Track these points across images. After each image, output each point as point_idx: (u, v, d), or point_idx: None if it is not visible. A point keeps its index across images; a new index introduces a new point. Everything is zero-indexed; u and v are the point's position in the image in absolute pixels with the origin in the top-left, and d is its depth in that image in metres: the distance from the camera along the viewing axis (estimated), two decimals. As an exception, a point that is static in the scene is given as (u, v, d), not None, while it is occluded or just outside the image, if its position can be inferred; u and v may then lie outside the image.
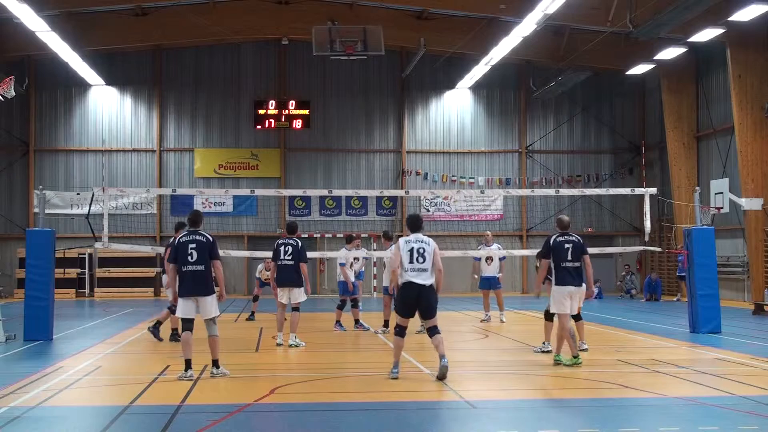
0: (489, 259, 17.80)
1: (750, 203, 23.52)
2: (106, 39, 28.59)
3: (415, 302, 10.14)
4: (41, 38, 23.89)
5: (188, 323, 10.31)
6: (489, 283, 17.87)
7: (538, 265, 12.96)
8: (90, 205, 16.19)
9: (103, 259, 29.89)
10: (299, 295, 13.34)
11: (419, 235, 10.29)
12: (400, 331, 10.28)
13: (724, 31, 22.12)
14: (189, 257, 10.27)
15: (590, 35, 25.94)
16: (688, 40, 23.49)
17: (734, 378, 10.02)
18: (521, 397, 9.32)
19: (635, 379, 10.10)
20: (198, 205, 30.33)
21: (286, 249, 13.27)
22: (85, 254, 29.51)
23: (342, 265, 16.23)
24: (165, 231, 30.45)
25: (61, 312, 18.49)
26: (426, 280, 10.09)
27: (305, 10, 27.73)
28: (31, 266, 14.76)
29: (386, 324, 15.49)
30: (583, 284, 11.43)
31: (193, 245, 10.33)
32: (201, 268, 10.27)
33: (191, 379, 9.92)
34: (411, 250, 10.09)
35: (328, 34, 24.95)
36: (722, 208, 24.96)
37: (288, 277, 13.33)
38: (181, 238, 10.52)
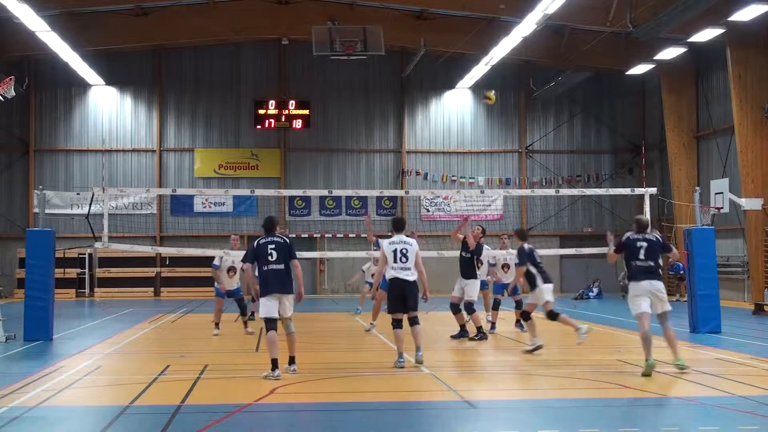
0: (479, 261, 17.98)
1: (750, 203, 23.51)
2: (106, 39, 28.59)
3: (402, 297, 11.05)
4: (41, 38, 23.89)
5: (271, 323, 10.45)
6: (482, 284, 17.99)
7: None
8: (90, 205, 16.20)
9: (103, 259, 29.90)
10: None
11: (402, 236, 11.22)
12: (398, 324, 11.13)
13: (724, 31, 22.12)
14: (269, 257, 10.49)
15: (590, 35, 25.95)
16: (688, 40, 23.50)
17: (734, 378, 10.01)
18: (521, 397, 9.32)
19: (635, 379, 10.09)
20: (198, 205, 30.40)
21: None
22: (85, 254, 29.51)
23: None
24: (165, 231, 30.47)
25: (61, 312, 18.48)
26: (410, 276, 11.06)
27: (305, 10, 27.73)
28: (31, 266, 14.75)
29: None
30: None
31: (272, 246, 10.56)
32: (281, 267, 10.51)
33: (278, 379, 9.97)
34: (395, 251, 11.04)
35: (328, 34, 24.97)
36: (722, 208, 24.97)
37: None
38: (259, 240, 10.69)
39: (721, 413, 8.05)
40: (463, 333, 14.27)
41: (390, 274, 11.08)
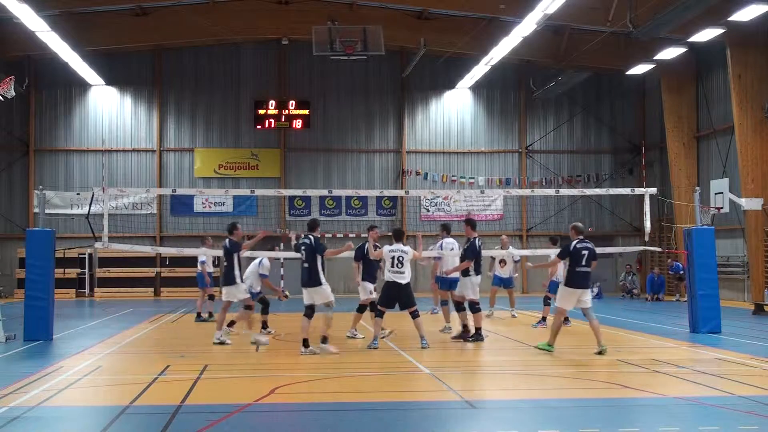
0: (502, 261, 18.95)
1: (750, 203, 23.51)
2: (106, 39, 28.60)
3: (396, 297, 13.08)
4: (41, 38, 23.89)
5: (307, 309, 12.63)
6: (501, 282, 19.13)
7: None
8: (90, 205, 16.20)
9: (103, 259, 29.89)
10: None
11: (399, 245, 13.13)
12: (381, 314, 13.19)
13: (724, 31, 22.13)
14: (302, 257, 12.68)
15: (590, 35, 25.95)
16: (688, 40, 23.50)
17: (734, 378, 10.02)
18: (521, 397, 9.32)
19: (635, 379, 10.10)
20: (198, 205, 30.39)
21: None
22: (85, 254, 29.49)
23: (437, 259, 16.26)
24: (165, 231, 30.46)
25: (61, 312, 18.49)
26: (403, 279, 13.02)
27: (305, 10, 27.74)
28: (31, 266, 14.76)
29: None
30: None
31: (303, 247, 12.70)
32: (306, 265, 12.63)
33: (314, 353, 12.21)
34: (393, 258, 12.98)
35: (328, 34, 24.96)
36: (722, 208, 24.97)
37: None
38: (299, 241, 12.93)
39: (721, 413, 8.05)
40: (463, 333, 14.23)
41: (387, 277, 13.02)
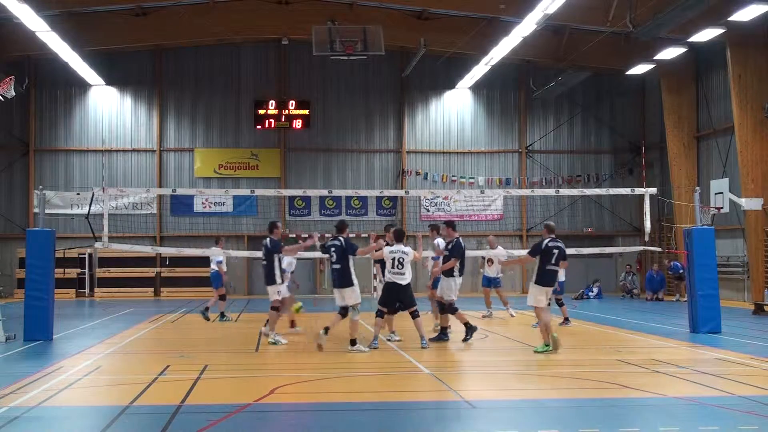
0: (490, 261, 18.66)
1: (750, 203, 23.52)
2: (106, 39, 28.59)
3: (396, 297, 13.17)
4: (41, 38, 23.88)
5: (341, 310, 12.92)
6: (490, 282, 18.87)
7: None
8: (90, 205, 16.21)
9: (103, 259, 29.89)
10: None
11: (401, 246, 13.17)
12: (381, 314, 13.25)
13: (724, 31, 22.13)
14: (331, 258, 12.86)
15: (590, 35, 25.96)
16: (688, 40, 23.50)
17: (734, 378, 10.02)
18: (521, 397, 9.31)
19: (635, 379, 10.10)
20: (198, 205, 30.40)
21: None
22: (85, 254, 29.49)
23: (436, 259, 16.14)
24: (165, 231, 30.46)
25: (61, 312, 18.49)
26: (404, 280, 13.08)
27: (305, 10, 27.73)
28: (31, 266, 14.75)
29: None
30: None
31: (334, 249, 12.85)
32: (338, 266, 12.81)
33: (361, 351, 12.43)
34: (393, 259, 13.03)
35: (328, 34, 24.97)
36: (722, 208, 24.97)
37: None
38: (326, 242, 13.15)
39: (721, 413, 8.05)
40: (442, 335, 14.16)
41: (387, 278, 13.08)
